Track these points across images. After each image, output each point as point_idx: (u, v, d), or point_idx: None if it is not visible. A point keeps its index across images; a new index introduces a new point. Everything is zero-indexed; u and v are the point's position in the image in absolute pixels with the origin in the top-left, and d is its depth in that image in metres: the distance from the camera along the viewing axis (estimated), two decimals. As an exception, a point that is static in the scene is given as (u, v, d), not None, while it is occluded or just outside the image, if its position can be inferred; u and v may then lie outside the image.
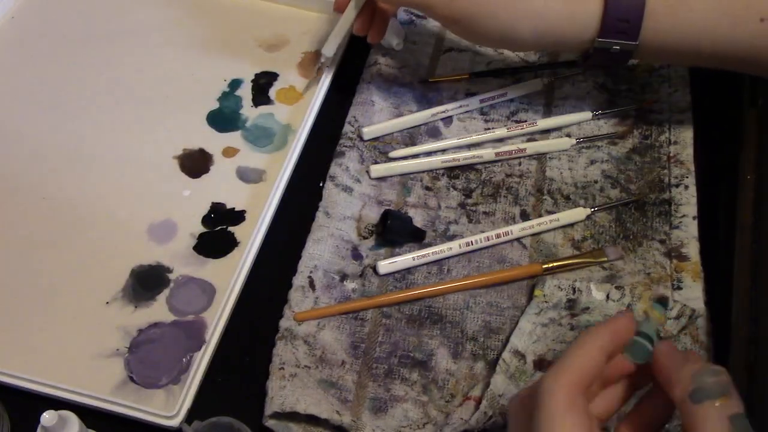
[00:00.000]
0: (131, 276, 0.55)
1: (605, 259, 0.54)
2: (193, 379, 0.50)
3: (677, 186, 0.57)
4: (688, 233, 0.55)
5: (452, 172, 0.60)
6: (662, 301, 0.46)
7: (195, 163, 0.62)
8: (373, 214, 0.57)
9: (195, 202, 0.59)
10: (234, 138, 0.64)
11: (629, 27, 0.53)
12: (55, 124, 0.64)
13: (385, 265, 0.54)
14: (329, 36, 0.63)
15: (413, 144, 0.62)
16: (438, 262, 0.55)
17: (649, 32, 0.53)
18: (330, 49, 0.64)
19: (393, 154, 0.61)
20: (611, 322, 0.38)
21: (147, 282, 0.55)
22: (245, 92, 0.67)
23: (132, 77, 0.68)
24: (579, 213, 0.57)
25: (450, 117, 0.63)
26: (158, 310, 0.54)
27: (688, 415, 0.32)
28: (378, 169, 0.59)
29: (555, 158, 0.61)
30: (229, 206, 0.59)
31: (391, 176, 0.60)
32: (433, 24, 0.69)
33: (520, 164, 0.61)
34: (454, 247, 0.55)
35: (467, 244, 0.55)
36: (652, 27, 0.53)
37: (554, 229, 0.57)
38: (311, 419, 0.47)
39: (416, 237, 0.56)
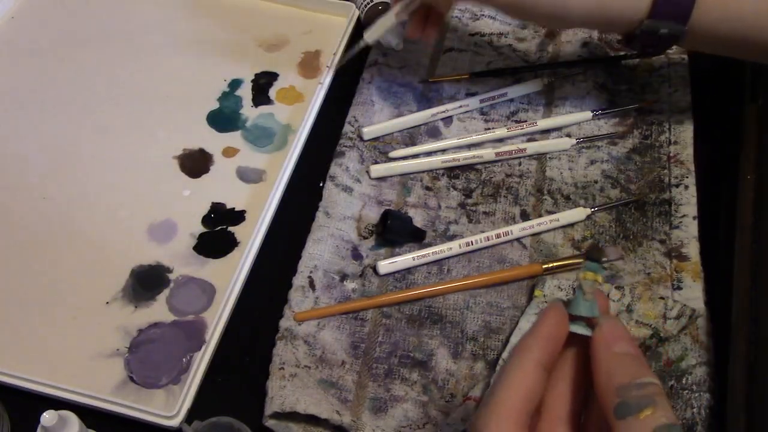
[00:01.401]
0: (131, 276, 0.55)
1: (605, 258, 0.54)
2: (193, 379, 0.50)
3: (677, 186, 0.57)
4: (688, 233, 0.55)
5: (452, 172, 0.60)
6: (593, 254, 0.36)
7: (195, 163, 0.62)
8: (373, 214, 0.57)
9: (195, 202, 0.59)
10: (234, 138, 0.64)
11: (680, 10, 0.53)
12: (55, 124, 0.64)
13: (385, 265, 0.54)
14: (376, 23, 0.61)
15: (413, 144, 0.62)
16: (438, 262, 0.55)
17: (699, 19, 0.53)
18: (372, 36, 0.62)
19: (393, 154, 0.61)
20: (540, 326, 0.34)
21: (147, 282, 0.55)
22: (245, 92, 0.67)
23: (132, 77, 0.68)
24: (579, 213, 0.57)
25: (450, 117, 0.63)
26: (158, 310, 0.54)
27: (614, 430, 0.31)
28: (378, 169, 0.59)
29: (555, 158, 0.61)
30: (229, 206, 0.59)
31: (391, 176, 0.60)
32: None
33: (520, 164, 0.61)
34: (454, 247, 0.55)
35: (467, 244, 0.55)
36: (702, 13, 0.53)
37: (554, 229, 0.57)
38: (311, 419, 0.47)
39: (416, 237, 0.56)
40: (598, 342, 0.33)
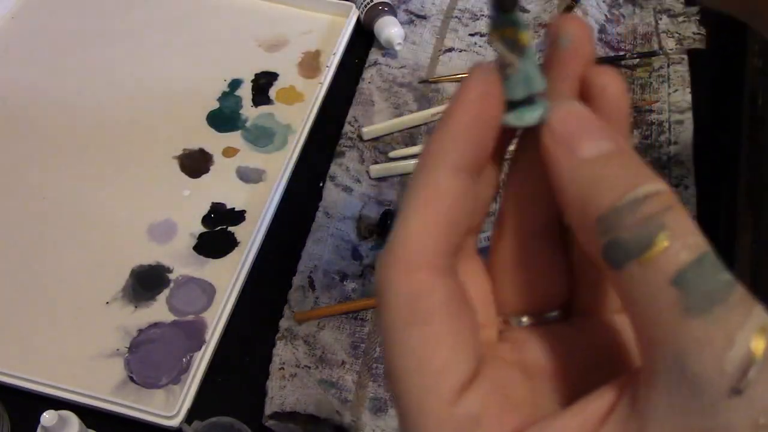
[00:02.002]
0: (131, 276, 0.55)
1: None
2: (193, 379, 0.50)
3: (677, 186, 0.57)
4: (688, 233, 0.55)
5: (452, 172, 0.60)
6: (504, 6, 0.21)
7: (195, 163, 0.62)
8: (373, 214, 0.57)
9: (195, 202, 0.59)
10: (234, 138, 0.63)
11: None
12: (55, 124, 0.64)
13: (385, 265, 0.54)
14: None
15: (413, 144, 0.62)
16: (438, 262, 0.55)
17: None
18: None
19: (393, 154, 0.61)
20: (454, 109, 0.21)
21: (147, 282, 0.55)
22: (245, 92, 0.67)
23: (132, 77, 0.68)
24: (579, 213, 0.57)
25: (450, 117, 0.63)
26: (158, 310, 0.54)
27: (611, 282, 0.20)
28: (378, 169, 0.59)
29: (555, 158, 0.61)
30: (229, 206, 0.59)
31: (391, 176, 0.60)
32: (432, 24, 0.69)
33: (520, 164, 0.61)
34: (454, 247, 0.55)
35: (467, 244, 0.55)
36: None
37: (554, 229, 0.56)
38: (311, 419, 0.47)
39: (416, 237, 0.56)
40: (551, 145, 0.20)
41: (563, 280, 0.23)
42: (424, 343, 0.20)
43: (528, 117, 0.21)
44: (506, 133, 0.22)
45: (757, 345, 0.17)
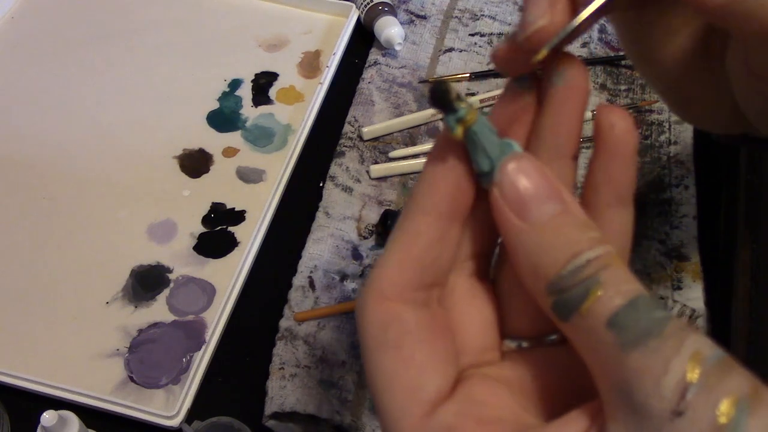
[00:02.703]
0: (131, 276, 0.55)
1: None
2: (193, 379, 0.50)
3: (677, 186, 0.57)
4: (688, 233, 0.55)
5: (452, 172, 0.60)
6: (441, 96, 0.23)
7: (195, 163, 0.62)
8: (373, 214, 0.57)
9: (195, 202, 0.59)
10: (234, 138, 0.63)
11: None
12: (55, 124, 0.64)
13: (385, 265, 0.54)
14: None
15: (413, 144, 0.62)
16: (438, 262, 0.55)
17: None
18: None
19: (393, 154, 0.61)
20: (430, 163, 0.24)
21: (147, 282, 0.55)
22: (245, 92, 0.67)
23: (132, 77, 0.68)
24: (579, 213, 0.57)
25: (450, 117, 0.63)
26: (158, 310, 0.54)
27: (564, 332, 0.22)
28: (378, 169, 0.59)
29: (555, 158, 0.61)
30: (229, 206, 0.59)
31: (391, 176, 0.60)
32: (432, 24, 0.69)
33: (520, 164, 0.61)
34: (454, 247, 0.55)
35: (467, 244, 0.55)
36: None
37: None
38: (311, 419, 0.47)
39: (416, 237, 0.56)
40: (500, 215, 0.22)
41: None
42: (395, 364, 0.22)
43: (488, 183, 0.23)
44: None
45: (692, 370, 0.18)
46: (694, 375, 0.18)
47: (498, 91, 0.64)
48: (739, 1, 0.23)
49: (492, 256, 0.26)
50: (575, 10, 0.23)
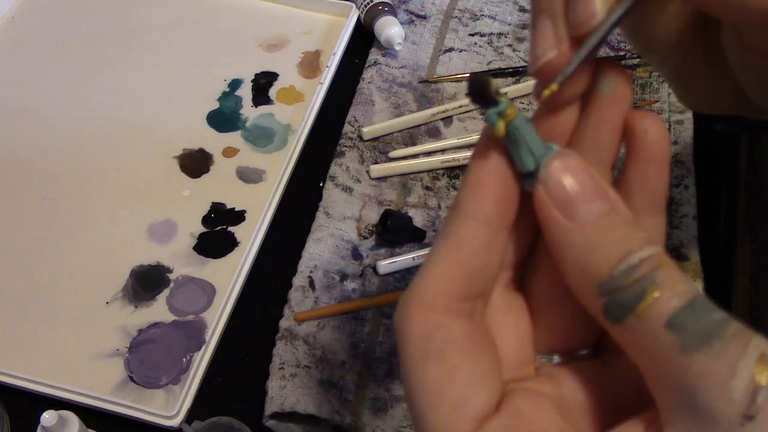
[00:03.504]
0: (131, 276, 0.55)
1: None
2: (193, 379, 0.50)
3: (677, 186, 0.57)
4: (688, 233, 0.55)
5: (452, 172, 0.60)
6: (481, 89, 0.22)
7: (195, 163, 0.62)
8: (373, 214, 0.57)
9: (195, 202, 0.59)
10: (234, 138, 0.63)
11: None
12: (55, 124, 0.64)
13: (385, 265, 0.54)
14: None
15: (413, 144, 0.62)
16: (438, 262, 0.55)
17: None
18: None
19: (393, 154, 0.61)
20: (472, 168, 0.23)
21: (147, 282, 0.55)
22: (245, 92, 0.67)
23: (132, 77, 0.68)
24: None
25: (450, 117, 0.63)
26: (158, 310, 0.54)
27: (616, 338, 0.21)
28: (378, 169, 0.59)
29: (555, 158, 0.61)
30: (229, 206, 0.59)
31: (391, 176, 0.60)
32: (432, 24, 0.69)
33: (520, 164, 0.61)
34: (454, 247, 0.55)
35: (467, 244, 0.55)
36: None
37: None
38: (311, 419, 0.47)
39: (416, 237, 0.56)
40: (546, 214, 0.22)
41: (594, 320, 0.23)
42: (440, 377, 0.21)
43: (530, 185, 0.22)
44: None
45: (761, 372, 0.18)
46: (763, 378, 0.18)
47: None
48: None
49: (522, 266, 0.25)
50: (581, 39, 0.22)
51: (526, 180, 0.22)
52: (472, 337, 0.22)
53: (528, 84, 0.65)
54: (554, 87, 0.23)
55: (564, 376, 0.24)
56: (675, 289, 0.20)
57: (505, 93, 0.21)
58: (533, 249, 0.25)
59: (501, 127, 0.22)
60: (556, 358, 0.25)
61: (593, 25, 0.22)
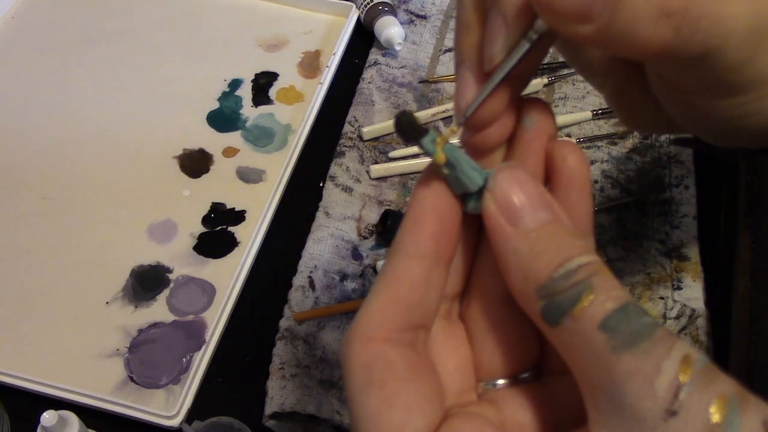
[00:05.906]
0: (131, 276, 0.55)
1: (605, 259, 0.54)
2: (193, 379, 0.50)
3: (677, 186, 0.57)
4: (688, 233, 0.55)
5: (452, 172, 0.60)
6: (409, 127, 0.23)
7: (195, 163, 0.62)
8: (373, 214, 0.57)
9: (195, 202, 0.59)
10: (234, 138, 0.64)
11: None
12: (55, 124, 0.64)
13: (385, 265, 0.54)
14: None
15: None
16: (438, 262, 0.55)
17: None
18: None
19: (393, 154, 0.61)
20: (411, 208, 0.24)
21: (147, 282, 0.55)
22: (245, 92, 0.67)
23: (132, 77, 0.68)
24: (579, 213, 0.57)
25: (450, 117, 0.63)
26: (158, 310, 0.54)
27: (552, 340, 0.22)
28: (378, 169, 0.59)
29: (555, 158, 0.61)
30: (229, 206, 0.59)
31: (391, 176, 0.60)
32: (432, 24, 0.69)
33: (520, 164, 0.61)
34: (454, 247, 0.55)
35: (467, 244, 0.55)
36: None
37: (554, 229, 0.56)
38: (311, 419, 0.47)
39: (416, 237, 0.56)
40: (492, 222, 0.23)
41: (533, 343, 0.25)
42: (380, 403, 0.22)
43: (475, 205, 0.23)
44: (475, 220, 0.25)
45: (684, 371, 0.19)
46: (686, 376, 0.19)
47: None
48: (612, 29, 0.21)
49: (460, 297, 0.27)
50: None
51: (469, 201, 0.23)
52: (413, 365, 0.23)
53: (528, 84, 0.65)
54: (454, 128, 0.24)
55: (506, 400, 0.25)
56: (610, 293, 0.21)
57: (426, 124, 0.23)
58: (468, 280, 0.26)
59: (440, 152, 0.23)
60: (500, 383, 0.25)
61: (492, 65, 0.24)
